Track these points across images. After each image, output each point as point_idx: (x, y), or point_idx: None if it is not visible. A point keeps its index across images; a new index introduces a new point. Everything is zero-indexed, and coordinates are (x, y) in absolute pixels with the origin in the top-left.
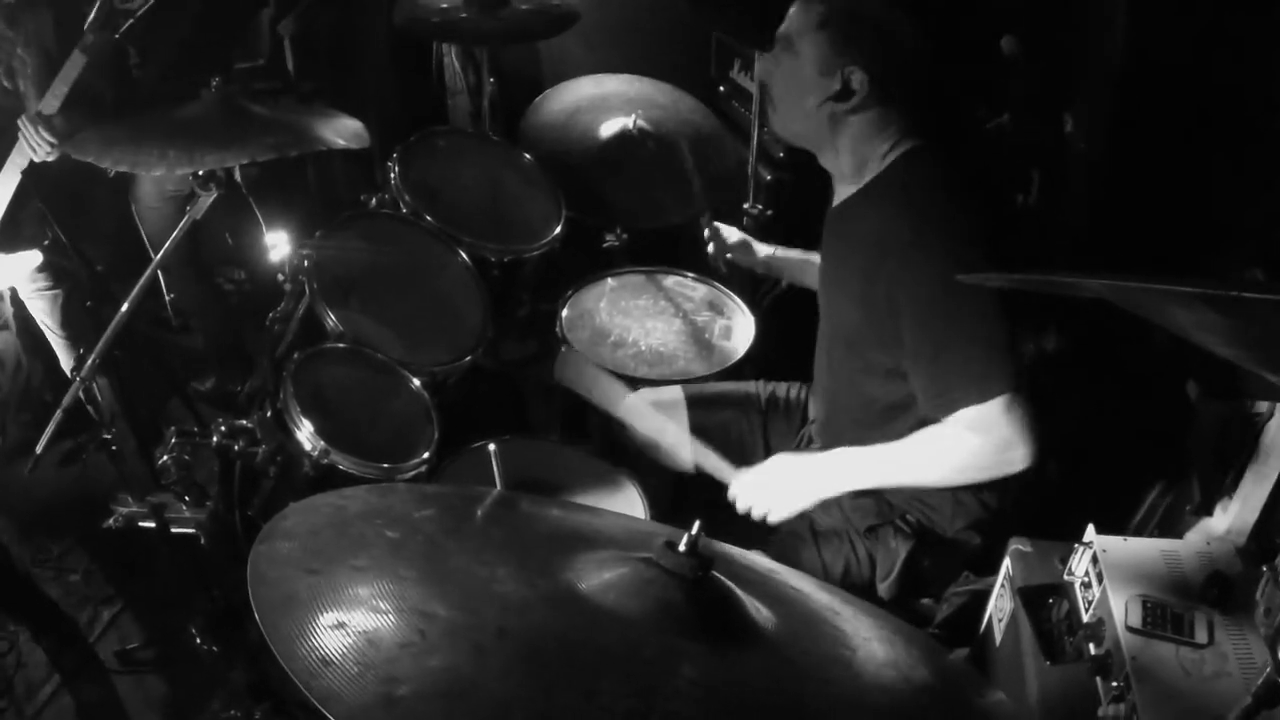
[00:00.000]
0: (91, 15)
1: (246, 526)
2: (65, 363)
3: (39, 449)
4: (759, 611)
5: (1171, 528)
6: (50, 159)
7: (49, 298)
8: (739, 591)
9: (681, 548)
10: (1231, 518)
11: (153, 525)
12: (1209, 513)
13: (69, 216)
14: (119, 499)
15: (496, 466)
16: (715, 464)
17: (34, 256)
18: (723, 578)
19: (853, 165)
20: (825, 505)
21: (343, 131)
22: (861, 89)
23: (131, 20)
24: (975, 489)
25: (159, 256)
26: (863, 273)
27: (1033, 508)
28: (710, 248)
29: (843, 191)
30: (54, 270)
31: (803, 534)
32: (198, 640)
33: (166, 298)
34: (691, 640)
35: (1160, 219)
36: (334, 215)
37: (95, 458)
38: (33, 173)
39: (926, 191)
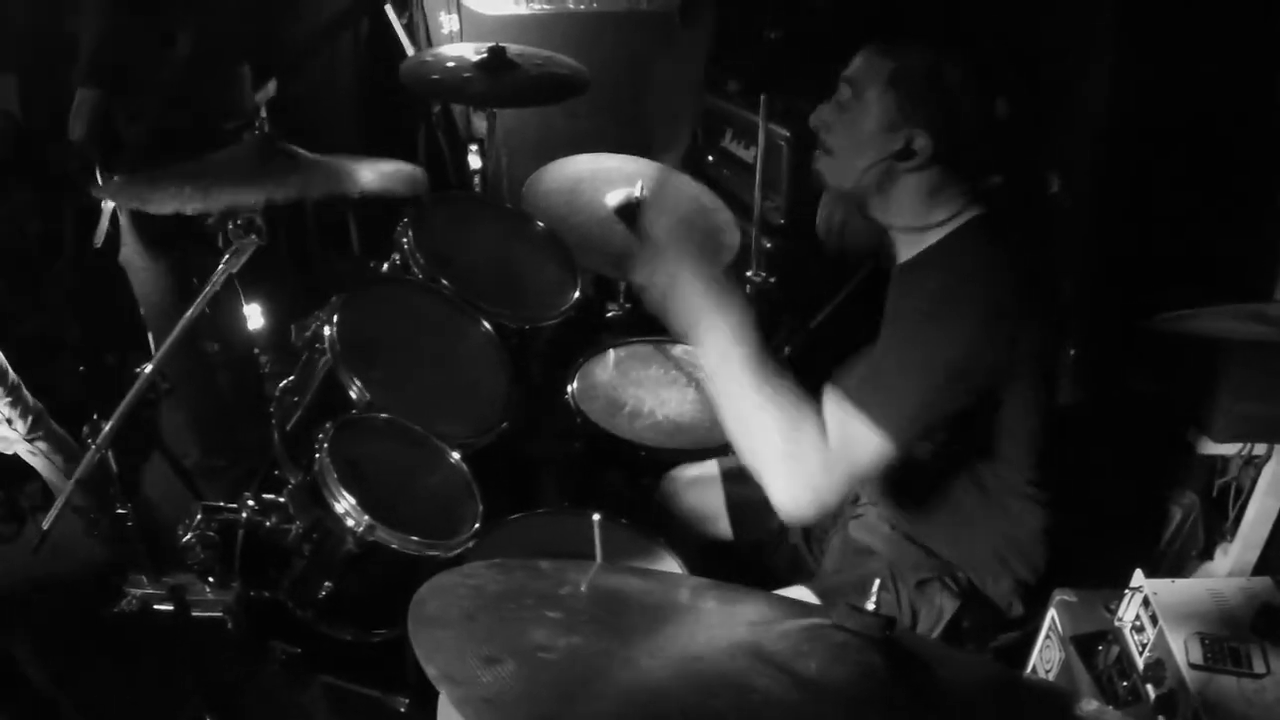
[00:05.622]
0: None
1: (264, 607)
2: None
3: (45, 525)
4: (944, 668)
5: (1176, 571)
6: None
7: None
8: (922, 648)
9: (870, 605)
10: (1232, 560)
11: (170, 609)
12: (1210, 556)
13: None
14: (131, 579)
15: (598, 539)
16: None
17: None
18: (903, 636)
19: (909, 220)
20: (874, 551)
21: (391, 176)
22: (923, 153)
23: None
24: (1022, 555)
25: (199, 299)
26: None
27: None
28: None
29: (906, 246)
30: None
31: (854, 581)
32: None
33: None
34: (894, 704)
35: (1148, 274)
36: (308, 282)
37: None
38: None
39: (989, 266)
